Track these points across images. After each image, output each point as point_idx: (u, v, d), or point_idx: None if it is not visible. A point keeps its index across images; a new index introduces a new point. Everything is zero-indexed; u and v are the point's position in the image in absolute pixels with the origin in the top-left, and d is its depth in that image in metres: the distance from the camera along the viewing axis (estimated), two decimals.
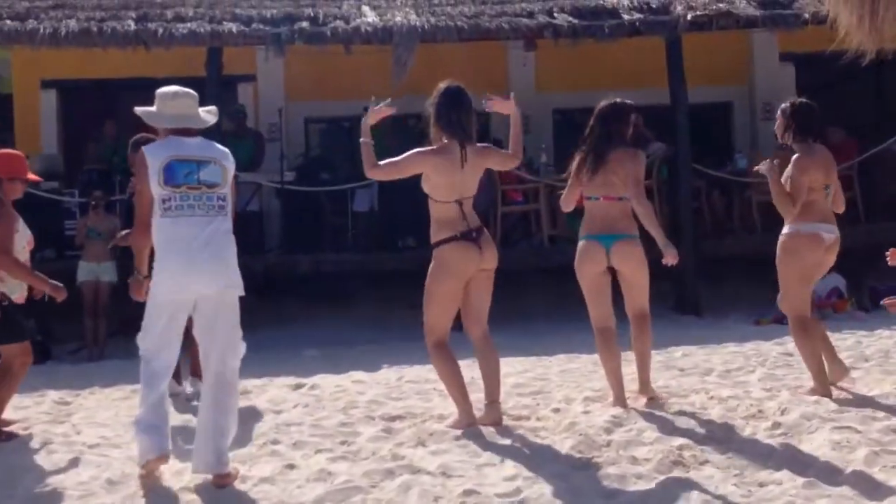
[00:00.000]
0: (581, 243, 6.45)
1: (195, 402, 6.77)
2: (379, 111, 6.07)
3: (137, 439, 5.24)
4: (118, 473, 5.28)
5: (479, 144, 6.15)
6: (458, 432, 5.81)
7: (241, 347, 5.26)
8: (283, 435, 6.05)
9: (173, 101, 5.28)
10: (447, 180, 5.93)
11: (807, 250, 6.40)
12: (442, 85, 6.05)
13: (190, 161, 5.16)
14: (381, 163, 6.02)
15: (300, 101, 14.39)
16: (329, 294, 12.25)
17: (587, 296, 6.47)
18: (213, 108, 5.48)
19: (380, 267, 12.28)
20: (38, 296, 6.54)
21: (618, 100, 6.55)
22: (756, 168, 6.76)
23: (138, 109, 5.39)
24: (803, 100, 6.70)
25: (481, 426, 5.89)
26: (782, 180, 6.46)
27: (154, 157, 5.14)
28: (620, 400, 6.34)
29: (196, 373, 7.27)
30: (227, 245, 5.23)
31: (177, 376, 7.35)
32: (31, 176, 6.66)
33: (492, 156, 6.29)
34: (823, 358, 6.52)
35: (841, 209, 6.69)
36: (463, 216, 5.96)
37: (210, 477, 5.12)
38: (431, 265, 6.00)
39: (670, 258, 6.39)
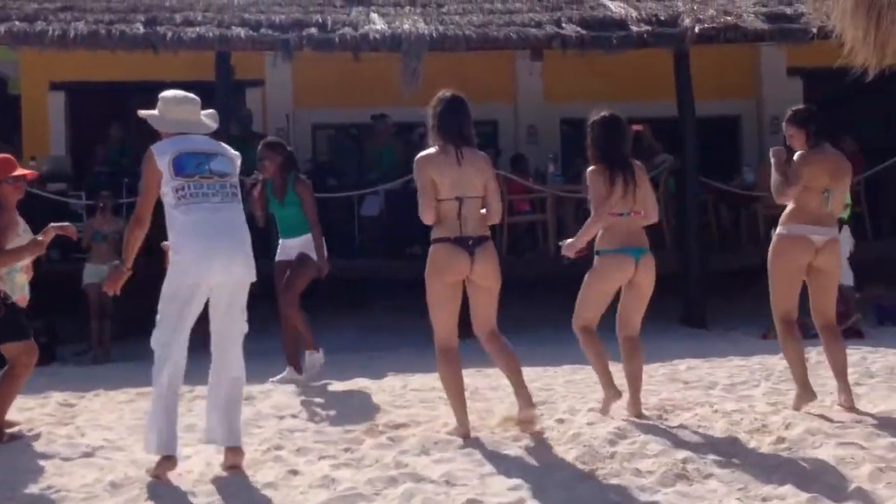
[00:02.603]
0: (607, 256, 6.29)
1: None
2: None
3: (147, 437, 5.29)
4: (121, 476, 5.27)
5: (479, 152, 6.04)
6: (462, 441, 5.80)
7: (245, 328, 5.42)
8: (287, 441, 6.05)
9: (177, 106, 5.42)
10: (448, 178, 5.80)
11: (793, 252, 6.33)
12: (441, 93, 6.01)
13: (199, 153, 5.30)
14: (421, 207, 5.87)
15: (308, 107, 14.41)
16: (339, 301, 12.22)
17: (598, 303, 6.38)
18: (212, 111, 5.59)
19: (391, 274, 12.24)
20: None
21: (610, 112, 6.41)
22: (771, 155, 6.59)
23: (142, 113, 5.50)
24: (809, 105, 6.66)
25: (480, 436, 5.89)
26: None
27: (162, 153, 5.24)
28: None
29: (291, 361, 8.16)
30: (243, 231, 5.35)
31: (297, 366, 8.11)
32: (22, 171, 6.50)
33: (489, 171, 6.00)
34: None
35: (836, 214, 6.46)
36: (462, 219, 5.79)
37: (218, 470, 5.24)
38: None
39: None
